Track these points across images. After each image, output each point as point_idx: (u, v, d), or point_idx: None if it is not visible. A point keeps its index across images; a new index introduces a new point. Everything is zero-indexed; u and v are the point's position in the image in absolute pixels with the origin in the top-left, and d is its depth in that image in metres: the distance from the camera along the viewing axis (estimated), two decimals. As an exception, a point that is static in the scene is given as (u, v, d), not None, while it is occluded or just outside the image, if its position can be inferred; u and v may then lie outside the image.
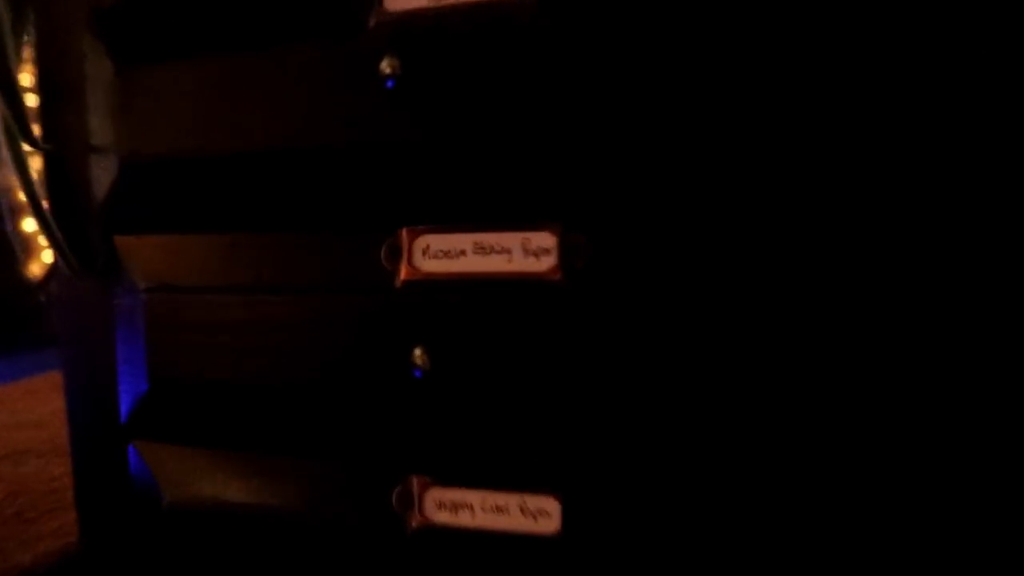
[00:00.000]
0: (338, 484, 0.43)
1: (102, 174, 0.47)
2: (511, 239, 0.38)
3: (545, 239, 0.38)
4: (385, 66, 0.39)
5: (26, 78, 0.46)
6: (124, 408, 0.48)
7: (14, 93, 0.43)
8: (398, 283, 0.41)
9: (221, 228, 0.44)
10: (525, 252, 0.38)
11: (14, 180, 0.44)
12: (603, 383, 0.38)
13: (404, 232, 0.40)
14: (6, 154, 0.44)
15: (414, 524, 0.40)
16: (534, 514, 0.38)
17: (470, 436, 0.40)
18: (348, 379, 0.43)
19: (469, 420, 0.41)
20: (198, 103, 0.45)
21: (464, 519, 0.39)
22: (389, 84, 0.39)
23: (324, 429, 0.43)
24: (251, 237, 0.44)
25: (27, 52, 0.46)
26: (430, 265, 0.40)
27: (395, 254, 0.40)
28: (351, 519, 0.43)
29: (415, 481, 0.41)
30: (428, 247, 0.40)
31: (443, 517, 0.40)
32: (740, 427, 0.36)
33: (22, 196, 0.45)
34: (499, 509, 0.39)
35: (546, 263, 0.38)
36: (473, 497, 0.40)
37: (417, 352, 0.40)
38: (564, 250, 0.38)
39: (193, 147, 0.46)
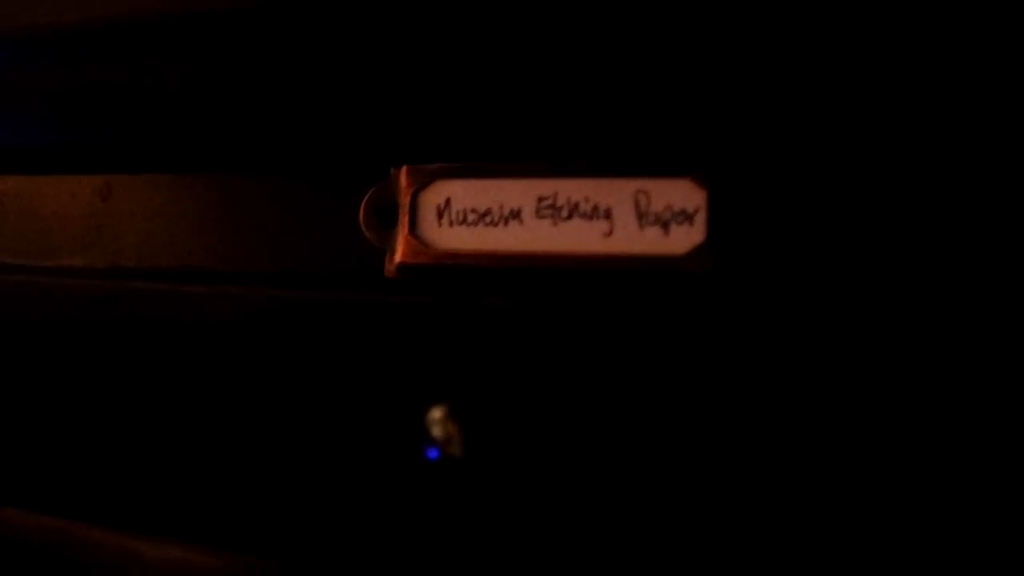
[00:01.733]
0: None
1: None
2: (613, 191, 0.28)
3: (682, 193, 0.27)
4: None
5: None
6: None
7: None
8: (390, 269, 0.31)
9: (82, 165, 0.37)
10: (640, 217, 0.28)
11: None
12: (786, 478, 0.28)
13: (403, 173, 0.31)
14: None
15: None
16: None
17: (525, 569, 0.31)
18: (297, 450, 0.34)
19: (526, 541, 0.30)
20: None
21: None
22: None
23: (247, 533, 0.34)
24: (130, 179, 0.36)
25: None
26: (452, 237, 0.30)
27: (385, 215, 0.31)
28: None
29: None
30: (448, 203, 0.30)
31: None
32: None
33: None
34: None
35: (684, 239, 0.27)
36: None
37: (435, 415, 0.30)
38: (718, 217, 0.27)
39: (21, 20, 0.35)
